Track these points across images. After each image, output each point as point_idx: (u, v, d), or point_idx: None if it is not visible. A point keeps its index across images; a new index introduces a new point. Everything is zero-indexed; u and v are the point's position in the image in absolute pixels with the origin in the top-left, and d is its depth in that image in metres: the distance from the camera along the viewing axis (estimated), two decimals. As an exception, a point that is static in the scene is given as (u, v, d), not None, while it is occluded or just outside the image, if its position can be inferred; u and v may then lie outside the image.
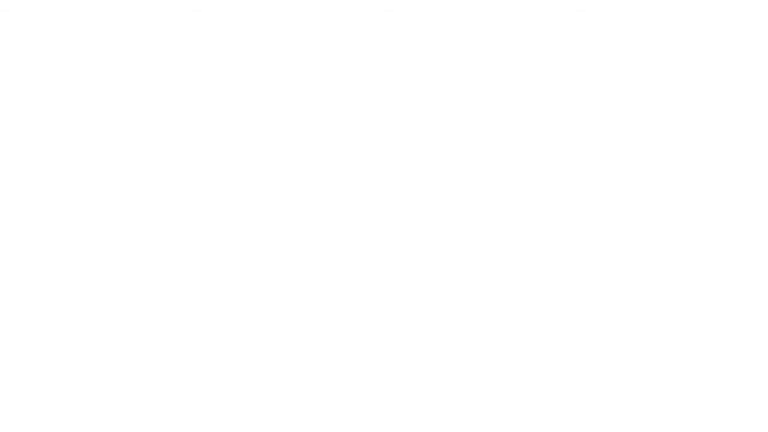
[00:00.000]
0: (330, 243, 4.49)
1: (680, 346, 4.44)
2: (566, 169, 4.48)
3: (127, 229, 4.50)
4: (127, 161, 4.51)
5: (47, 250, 4.49)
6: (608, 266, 4.46)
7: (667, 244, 4.45)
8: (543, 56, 4.50)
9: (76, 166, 4.50)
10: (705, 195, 4.45)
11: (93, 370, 4.48)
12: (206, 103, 4.52)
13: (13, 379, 4.46)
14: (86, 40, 4.52)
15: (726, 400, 4.41)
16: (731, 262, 4.43)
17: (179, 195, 4.50)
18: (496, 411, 4.45)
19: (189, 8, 4.51)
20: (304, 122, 4.52)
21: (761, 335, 4.40)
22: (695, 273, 4.44)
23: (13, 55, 4.52)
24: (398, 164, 4.50)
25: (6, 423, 4.44)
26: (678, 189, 4.46)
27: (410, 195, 4.49)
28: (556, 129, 4.49)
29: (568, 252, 4.47)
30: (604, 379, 4.44)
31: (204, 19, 4.51)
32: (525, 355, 4.46)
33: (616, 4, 4.49)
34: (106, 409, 4.47)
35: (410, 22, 4.51)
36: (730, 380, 4.42)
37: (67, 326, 4.48)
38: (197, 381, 4.48)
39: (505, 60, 4.50)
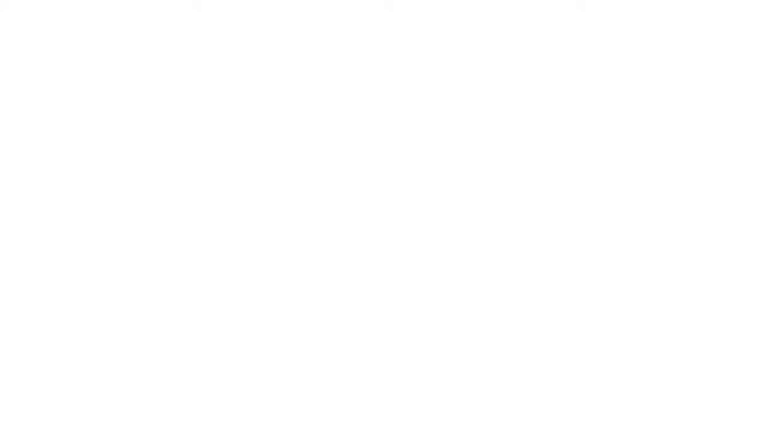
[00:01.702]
0: (330, 243, 4.50)
1: (680, 347, 4.44)
2: (566, 170, 4.48)
3: (127, 230, 4.50)
4: (127, 161, 4.51)
5: (47, 251, 4.50)
6: (608, 267, 4.46)
7: (667, 244, 4.45)
8: (544, 56, 4.49)
9: (76, 166, 4.51)
10: (705, 195, 4.45)
11: (93, 370, 4.49)
12: (206, 103, 4.52)
13: (13, 380, 4.48)
14: (86, 40, 4.53)
15: (726, 400, 4.41)
16: (731, 262, 4.43)
17: (179, 195, 4.51)
18: (495, 411, 4.46)
19: (189, 8, 4.52)
20: (305, 122, 4.53)
21: (761, 335, 4.40)
22: (695, 273, 4.44)
23: (13, 55, 4.52)
24: (398, 164, 4.50)
25: (6, 423, 4.46)
26: (678, 189, 4.46)
27: (410, 195, 4.49)
28: (557, 129, 4.49)
29: (569, 252, 4.46)
30: (604, 380, 4.44)
31: (204, 18, 4.52)
32: (525, 356, 4.46)
33: (617, 3, 4.48)
34: (107, 409, 4.48)
35: (410, 22, 4.51)
36: (730, 380, 4.42)
37: (67, 326, 4.49)
38: (197, 381, 4.49)
39: (506, 60, 4.50)
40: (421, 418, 4.46)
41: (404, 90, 4.51)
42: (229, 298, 4.49)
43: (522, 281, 4.47)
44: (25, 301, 4.49)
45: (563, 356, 4.45)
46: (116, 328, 4.49)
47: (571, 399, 4.44)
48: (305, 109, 4.52)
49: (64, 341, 4.48)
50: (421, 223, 4.49)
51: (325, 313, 4.49)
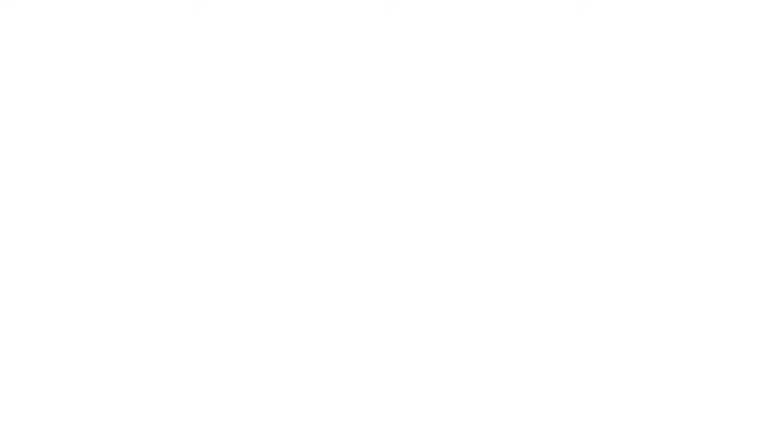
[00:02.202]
0: (330, 243, 4.50)
1: (680, 347, 4.45)
2: (568, 170, 4.49)
3: (127, 229, 4.50)
4: (128, 161, 4.51)
5: (47, 251, 4.49)
6: (608, 267, 4.47)
7: (667, 244, 4.46)
8: (545, 56, 4.49)
9: (77, 165, 4.50)
10: (705, 195, 4.46)
11: (93, 370, 4.49)
12: (208, 102, 4.52)
13: (13, 380, 4.48)
14: (87, 40, 4.52)
15: (726, 400, 4.43)
16: (731, 262, 4.45)
17: (180, 194, 4.51)
18: (495, 411, 4.47)
19: (190, 8, 4.51)
20: (306, 122, 4.52)
21: (761, 335, 4.41)
22: (695, 273, 4.46)
23: (13, 55, 4.51)
24: (400, 164, 4.51)
25: (6, 423, 4.46)
26: (678, 189, 4.47)
27: (411, 194, 4.50)
28: (559, 129, 4.49)
29: (569, 253, 4.47)
30: (604, 380, 4.46)
31: (205, 19, 4.51)
32: (525, 356, 4.47)
33: (617, 3, 4.48)
34: (107, 409, 4.49)
35: (412, 22, 4.50)
36: (730, 380, 4.44)
37: (67, 327, 4.49)
38: (198, 381, 4.49)
39: (507, 60, 4.50)
40: (421, 419, 4.47)
41: (406, 90, 4.50)
42: (229, 297, 4.49)
43: (522, 281, 4.48)
44: (25, 301, 4.48)
45: (563, 356, 4.47)
46: (116, 328, 4.49)
47: (571, 399, 4.46)
48: (307, 109, 4.51)
49: (64, 341, 4.48)
50: (422, 223, 4.49)
51: (325, 313, 4.49)
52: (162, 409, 4.48)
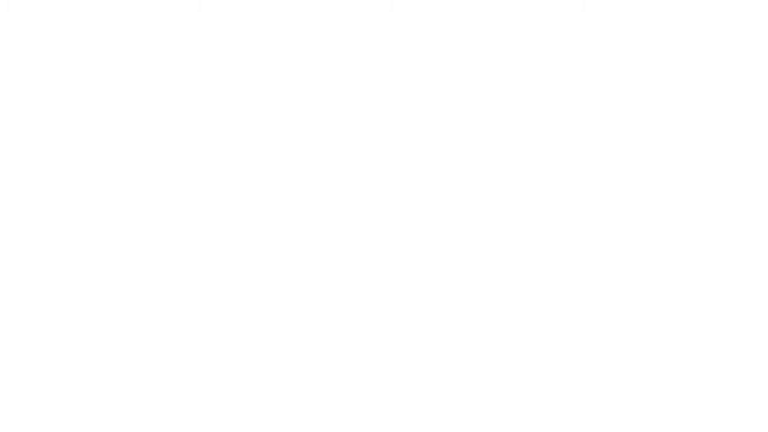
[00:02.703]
0: (330, 243, 4.50)
1: (680, 347, 4.46)
2: (568, 170, 4.49)
3: (127, 230, 4.50)
4: (128, 161, 4.51)
5: (47, 251, 4.50)
6: (608, 267, 4.47)
7: (667, 244, 4.46)
8: (545, 56, 4.50)
9: (77, 166, 4.51)
10: (705, 195, 4.46)
11: (93, 370, 4.49)
12: (208, 102, 4.52)
13: (13, 380, 4.48)
14: (87, 40, 4.52)
15: (726, 400, 4.43)
16: (731, 262, 4.45)
17: (180, 195, 4.51)
18: (495, 411, 4.47)
19: (190, 8, 4.51)
20: (306, 122, 4.53)
21: (761, 335, 4.42)
22: (695, 274, 4.46)
23: (13, 55, 4.51)
24: (399, 164, 4.51)
25: (6, 423, 4.46)
26: (678, 189, 4.47)
27: (411, 195, 4.50)
28: (558, 129, 4.49)
29: (569, 252, 4.48)
30: (604, 380, 4.46)
31: (205, 18, 4.51)
32: (526, 356, 4.48)
33: (617, 3, 4.49)
34: (107, 409, 4.49)
35: (412, 22, 4.50)
36: (730, 380, 4.44)
37: (67, 327, 4.49)
38: (198, 381, 4.49)
39: (507, 60, 4.50)
40: (421, 419, 4.48)
41: (406, 90, 4.51)
42: (229, 297, 4.49)
43: (522, 281, 4.48)
44: (25, 301, 4.48)
45: (563, 356, 4.47)
46: (116, 328, 4.49)
47: (571, 399, 4.46)
48: (307, 108, 4.52)
49: (64, 341, 4.48)
50: (422, 224, 4.49)
51: (325, 313, 4.50)
52: (162, 409, 4.49)
